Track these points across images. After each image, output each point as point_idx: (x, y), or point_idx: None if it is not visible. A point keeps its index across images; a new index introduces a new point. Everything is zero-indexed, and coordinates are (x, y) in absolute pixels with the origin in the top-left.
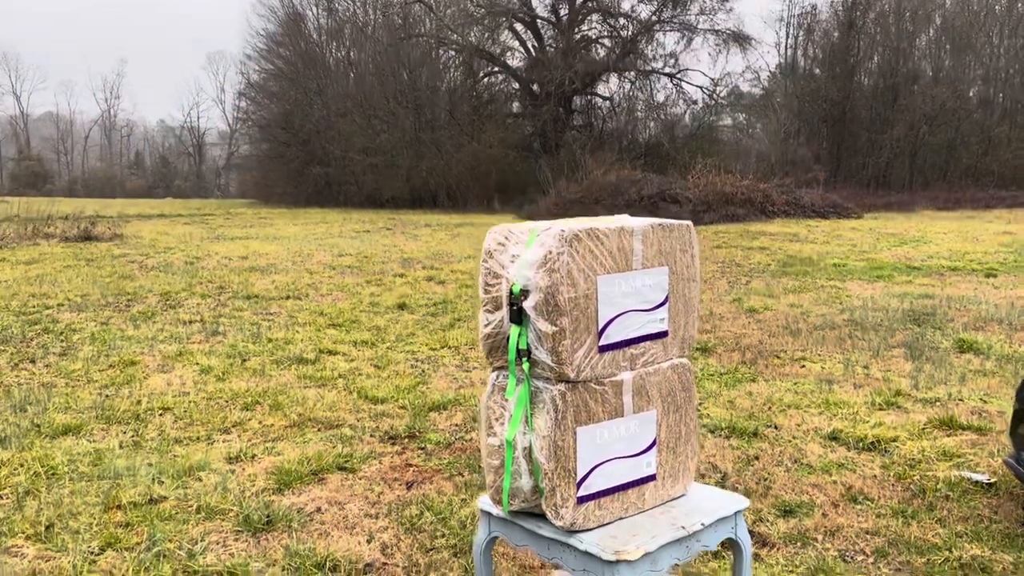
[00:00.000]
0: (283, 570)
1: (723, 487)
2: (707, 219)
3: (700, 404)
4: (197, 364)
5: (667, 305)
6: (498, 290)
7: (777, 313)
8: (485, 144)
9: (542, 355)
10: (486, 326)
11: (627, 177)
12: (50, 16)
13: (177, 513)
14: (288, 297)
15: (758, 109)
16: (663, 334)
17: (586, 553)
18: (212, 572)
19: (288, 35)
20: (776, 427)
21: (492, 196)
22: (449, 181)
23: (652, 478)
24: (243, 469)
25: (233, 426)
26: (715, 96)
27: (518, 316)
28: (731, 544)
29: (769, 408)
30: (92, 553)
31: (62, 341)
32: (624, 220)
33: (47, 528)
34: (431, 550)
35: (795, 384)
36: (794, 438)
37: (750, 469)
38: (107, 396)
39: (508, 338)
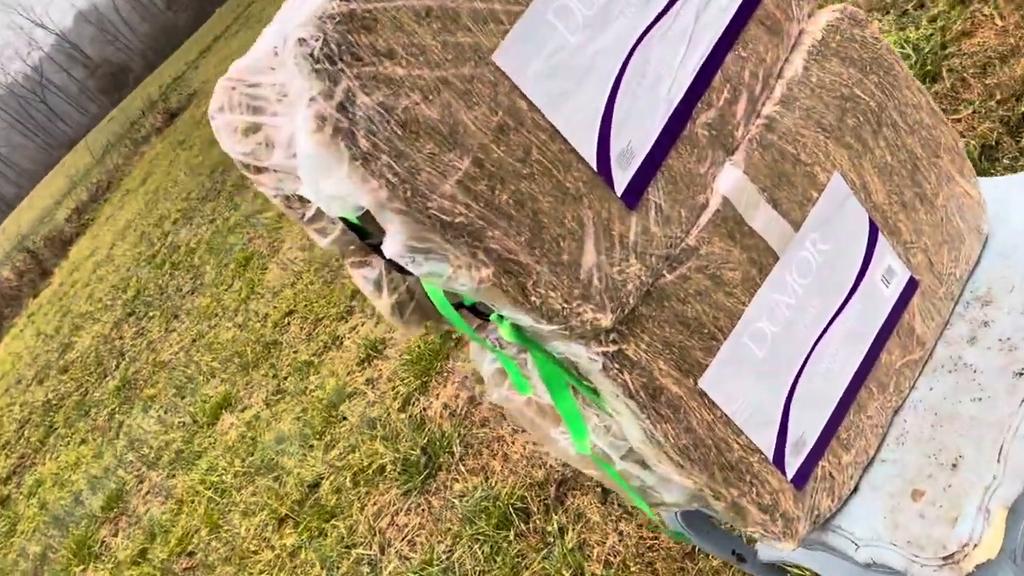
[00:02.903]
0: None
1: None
2: None
3: None
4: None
5: None
6: (331, 222)
7: None
8: None
9: (517, 314)
10: (379, 295)
11: None
12: None
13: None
14: None
15: None
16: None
17: (878, 565)
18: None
19: None
20: None
21: None
22: None
23: (913, 287)
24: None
25: (352, 302)
26: None
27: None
28: None
29: None
30: None
31: (188, 272)
32: None
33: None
34: None
35: None
36: None
37: None
38: (240, 327)
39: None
